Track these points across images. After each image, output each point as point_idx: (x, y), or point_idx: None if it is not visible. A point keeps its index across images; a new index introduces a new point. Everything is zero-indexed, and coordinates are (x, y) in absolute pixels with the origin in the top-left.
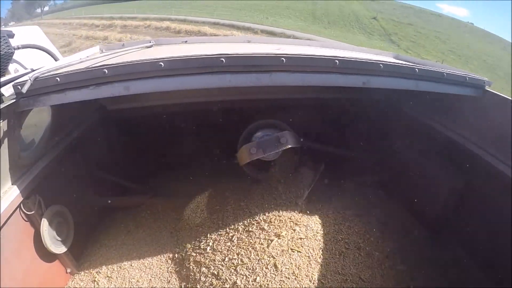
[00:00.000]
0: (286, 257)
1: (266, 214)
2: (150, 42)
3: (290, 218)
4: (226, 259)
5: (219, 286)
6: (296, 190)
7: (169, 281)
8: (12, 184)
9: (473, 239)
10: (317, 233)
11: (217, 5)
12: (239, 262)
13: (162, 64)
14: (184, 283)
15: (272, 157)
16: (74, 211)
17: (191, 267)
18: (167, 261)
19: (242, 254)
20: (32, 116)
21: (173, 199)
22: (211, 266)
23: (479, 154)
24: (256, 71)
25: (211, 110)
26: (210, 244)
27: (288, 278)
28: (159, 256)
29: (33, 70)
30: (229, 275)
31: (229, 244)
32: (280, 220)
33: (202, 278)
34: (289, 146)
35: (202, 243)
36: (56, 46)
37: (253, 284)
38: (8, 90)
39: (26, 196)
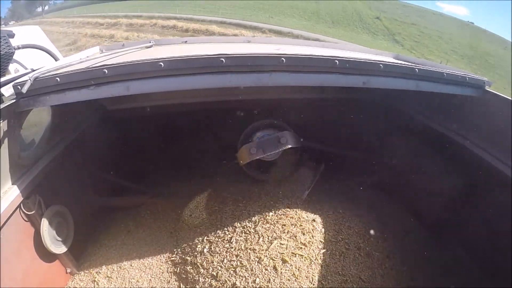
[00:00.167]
0: (286, 258)
1: (266, 214)
2: (150, 42)
3: (290, 219)
4: (225, 260)
5: (219, 287)
6: (296, 190)
7: (169, 281)
8: (12, 184)
9: (473, 239)
10: (317, 233)
11: (220, 4)
12: (238, 263)
13: (162, 64)
14: (184, 284)
15: (272, 157)
16: (74, 211)
17: (189, 268)
18: (167, 261)
19: (241, 256)
20: (32, 116)
21: (173, 199)
22: (210, 268)
23: (479, 154)
24: (256, 71)
25: (211, 110)
26: (208, 245)
27: (289, 280)
28: (159, 256)
29: (33, 70)
30: (228, 276)
31: (227, 245)
32: (279, 221)
33: (201, 279)
34: (289, 146)
35: (200, 244)
36: (61, 44)
37: (252, 285)
38: (8, 90)
39: (26, 196)
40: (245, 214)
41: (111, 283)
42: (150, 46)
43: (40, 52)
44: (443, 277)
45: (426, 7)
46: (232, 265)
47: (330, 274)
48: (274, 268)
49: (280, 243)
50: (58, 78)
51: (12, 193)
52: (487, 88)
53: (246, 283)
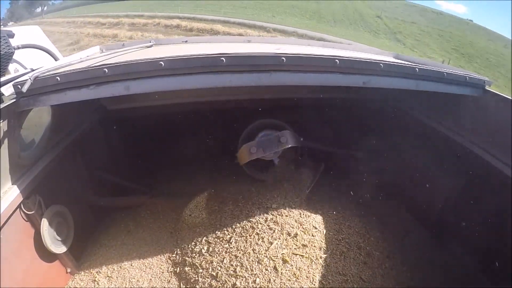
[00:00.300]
0: (286, 258)
1: (265, 214)
2: (150, 42)
3: (290, 219)
4: (225, 260)
5: (219, 287)
6: (296, 190)
7: (169, 281)
8: (12, 184)
9: (473, 239)
10: (318, 233)
11: (220, 3)
12: (238, 264)
13: (163, 64)
14: (184, 284)
15: (272, 157)
16: (74, 211)
17: (188, 269)
18: (167, 261)
19: (240, 257)
20: (32, 116)
21: (173, 199)
22: (210, 268)
23: (479, 154)
24: (256, 71)
25: (211, 109)
26: (207, 246)
27: (289, 280)
28: (159, 256)
29: (33, 70)
30: (228, 276)
31: (226, 246)
32: (279, 221)
33: (201, 279)
34: (289, 145)
35: (199, 244)
36: (64, 44)
37: (252, 285)
38: (8, 90)
39: (26, 196)
40: (244, 214)
41: (111, 283)
42: (150, 46)
43: (40, 52)
44: (443, 277)
45: (425, 5)
46: (232, 265)
47: (330, 274)
48: (275, 268)
49: (280, 243)
50: (58, 78)
51: (12, 193)
52: (487, 87)
53: (246, 283)
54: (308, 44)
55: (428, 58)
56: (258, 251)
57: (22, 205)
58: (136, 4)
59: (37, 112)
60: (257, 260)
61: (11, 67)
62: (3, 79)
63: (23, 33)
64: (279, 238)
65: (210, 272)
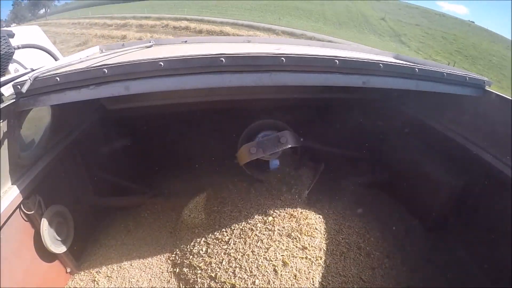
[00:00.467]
0: (286, 259)
1: (265, 215)
2: (150, 42)
3: (290, 220)
4: (224, 262)
5: None
6: (296, 190)
7: (169, 281)
8: (12, 184)
9: (473, 239)
10: (318, 234)
11: (227, 5)
12: (237, 265)
13: (162, 64)
14: (184, 284)
15: (272, 157)
16: (74, 211)
17: (186, 270)
18: (167, 261)
19: (239, 258)
20: (32, 116)
21: (173, 199)
22: (208, 269)
23: (479, 154)
24: (256, 71)
25: (211, 110)
26: (205, 247)
27: (289, 281)
28: (159, 256)
29: (33, 70)
30: (228, 278)
31: (225, 247)
32: (279, 221)
33: (200, 280)
34: (289, 145)
35: (198, 245)
36: (71, 45)
37: (252, 287)
38: (8, 90)
39: (26, 196)
40: (243, 215)
41: (111, 282)
42: (150, 46)
43: (40, 52)
44: (443, 277)
45: (426, 6)
46: (230, 266)
47: (330, 275)
48: (274, 270)
49: (280, 245)
50: (58, 78)
51: (12, 193)
52: (487, 88)
53: (246, 285)
54: (307, 44)
55: (433, 60)
56: (257, 253)
57: (22, 205)
58: (141, 6)
59: (37, 112)
60: (256, 261)
61: (11, 67)
62: (3, 79)
63: (23, 33)
64: (278, 240)
65: (209, 273)
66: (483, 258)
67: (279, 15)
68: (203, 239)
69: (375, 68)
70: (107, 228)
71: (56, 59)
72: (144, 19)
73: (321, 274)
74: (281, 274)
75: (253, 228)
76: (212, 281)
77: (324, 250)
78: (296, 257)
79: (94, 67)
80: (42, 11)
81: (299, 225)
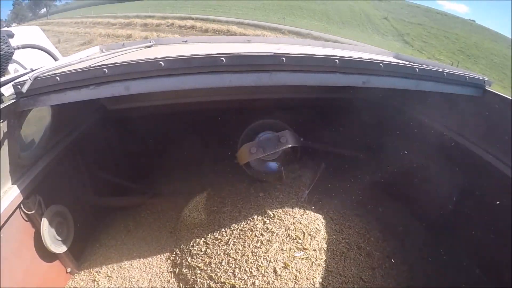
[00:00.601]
0: (286, 260)
1: (264, 216)
2: (150, 42)
3: (289, 220)
4: (223, 262)
5: None
6: (296, 190)
7: (169, 281)
8: (12, 184)
9: (473, 239)
10: (318, 234)
11: (230, 4)
12: (236, 265)
13: (162, 64)
14: (183, 284)
15: (272, 157)
16: (74, 211)
17: (185, 270)
18: (167, 260)
19: (239, 258)
20: (32, 116)
21: (173, 199)
22: (208, 269)
23: (479, 154)
24: (256, 71)
25: (211, 109)
26: (205, 247)
27: (289, 282)
28: (159, 255)
29: (33, 70)
30: (227, 278)
31: (224, 247)
32: (279, 221)
33: (199, 280)
34: (289, 145)
35: (197, 246)
36: (75, 44)
37: (252, 287)
38: (8, 90)
39: (26, 196)
40: (243, 216)
41: (111, 282)
42: (150, 46)
43: (40, 52)
44: (443, 277)
45: (428, 5)
46: (230, 267)
47: (331, 275)
48: (274, 270)
49: (280, 245)
50: (58, 78)
51: (12, 193)
52: (487, 88)
53: (245, 285)
54: (308, 44)
55: (436, 60)
56: (257, 253)
57: (22, 205)
58: (144, 5)
59: (37, 112)
60: (256, 262)
61: (11, 67)
62: (3, 79)
63: (23, 33)
64: (278, 241)
65: (208, 273)
66: (483, 258)
67: (283, 15)
68: (203, 239)
69: (375, 68)
70: (107, 228)
71: (55, 59)
72: (148, 18)
73: (321, 274)
74: (281, 275)
75: (253, 228)
76: (212, 281)
77: (324, 250)
78: (296, 258)
79: (94, 67)
80: (43, 10)
81: (299, 225)
